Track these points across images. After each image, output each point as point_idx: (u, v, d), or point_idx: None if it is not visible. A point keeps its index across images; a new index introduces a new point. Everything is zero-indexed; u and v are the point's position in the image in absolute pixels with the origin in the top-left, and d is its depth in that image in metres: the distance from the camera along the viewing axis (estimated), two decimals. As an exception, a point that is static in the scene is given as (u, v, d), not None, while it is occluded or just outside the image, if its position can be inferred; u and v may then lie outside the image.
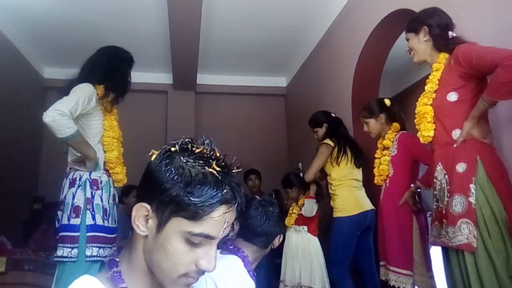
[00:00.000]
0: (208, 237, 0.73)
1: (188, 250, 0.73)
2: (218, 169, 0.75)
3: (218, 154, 0.78)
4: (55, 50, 4.51)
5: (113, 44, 2.37)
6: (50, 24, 3.95)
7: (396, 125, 2.58)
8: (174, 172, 0.73)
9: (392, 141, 2.51)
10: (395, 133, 2.55)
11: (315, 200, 3.17)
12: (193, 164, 0.74)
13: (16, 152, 4.19)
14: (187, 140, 0.79)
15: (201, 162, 0.75)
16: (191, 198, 0.71)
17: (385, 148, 2.57)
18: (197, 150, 0.76)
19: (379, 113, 2.64)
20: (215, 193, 0.72)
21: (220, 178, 0.74)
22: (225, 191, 0.73)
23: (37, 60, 4.74)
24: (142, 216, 0.76)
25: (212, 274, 0.81)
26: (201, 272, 0.76)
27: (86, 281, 0.76)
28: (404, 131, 2.54)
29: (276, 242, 1.47)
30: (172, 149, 0.77)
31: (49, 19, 3.86)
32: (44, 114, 1.87)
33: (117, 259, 0.80)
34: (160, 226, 0.74)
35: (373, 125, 2.66)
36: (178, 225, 0.72)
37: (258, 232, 1.39)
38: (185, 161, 0.74)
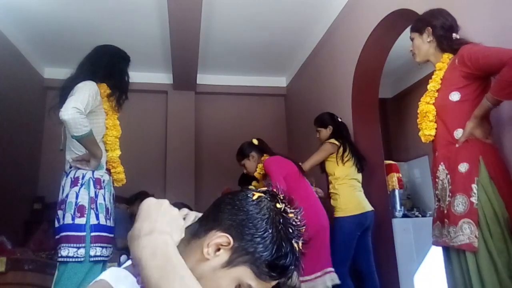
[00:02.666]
0: None
1: None
2: (300, 249, 0.79)
3: (303, 230, 0.81)
4: (55, 50, 4.50)
5: (113, 44, 2.37)
6: (50, 24, 3.94)
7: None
8: (271, 232, 0.76)
9: None
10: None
11: None
12: (287, 232, 0.77)
13: (16, 152, 4.18)
14: (284, 197, 0.82)
15: (291, 232, 0.78)
16: (272, 264, 0.75)
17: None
18: (290, 215, 0.79)
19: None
20: (288, 270, 0.77)
21: (297, 257, 0.78)
22: (292, 268, 0.78)
23: (37, 60, 4.72)
24: (217, 243, 0.76)
25: None
26: None
27: (116, 271, 0.75)
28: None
29: None
30: (278, 206, 0.79)
31: (49, 19, 3.86)
32: (62, 111, 1.86)
33: None
34: (229, 264, 0.75)
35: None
36: (244, 273, 0.75)
37: None
38: (282, 227, 0.77)
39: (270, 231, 0.76)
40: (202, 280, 0.73)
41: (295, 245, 0.78)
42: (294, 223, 0.79)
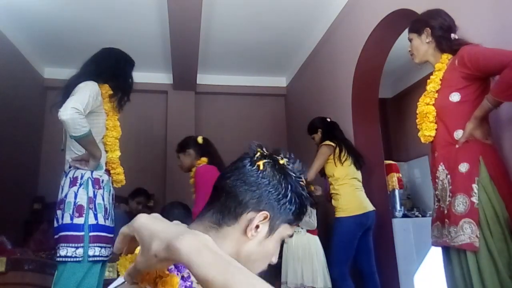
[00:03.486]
0: (290, 236, 0.88)
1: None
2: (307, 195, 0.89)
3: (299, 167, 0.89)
4: (55, 50, 4.50)
5: (113, 44, 2.37)
6: (50, 24, 3.94)
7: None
8: (290, 188, 0.84)
9: None
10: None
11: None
12: (296, 179, 0.85)
13: (16, 152, 4.18)
14: (281, 151, 0.89)
15: (300, 180, 0.87)
16: (300, 211, 0.86)
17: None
18: (289, 165, 0.87)
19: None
20: (307, 209, 0.89)
21: (308, 192, 0.88)
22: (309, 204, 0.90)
23: (37, 60, 4.72)
24: (258, 223, 0.81)
25: None
26: None
27: None
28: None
29: None
30: (281, 161, 0.86)
31: (49, 19, 3.86)
32: (61, 111, 1.86)
33: None
34: (271, 231, 0.82)
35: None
36: (283, 230, 0.85)
37: None
38: (291, 178, 0.85)
39: (289, 187, 0.84)
40: (255, 256, 0.82)
41: (302, 183, 0.87)
42: (294, 169, 0.87)
